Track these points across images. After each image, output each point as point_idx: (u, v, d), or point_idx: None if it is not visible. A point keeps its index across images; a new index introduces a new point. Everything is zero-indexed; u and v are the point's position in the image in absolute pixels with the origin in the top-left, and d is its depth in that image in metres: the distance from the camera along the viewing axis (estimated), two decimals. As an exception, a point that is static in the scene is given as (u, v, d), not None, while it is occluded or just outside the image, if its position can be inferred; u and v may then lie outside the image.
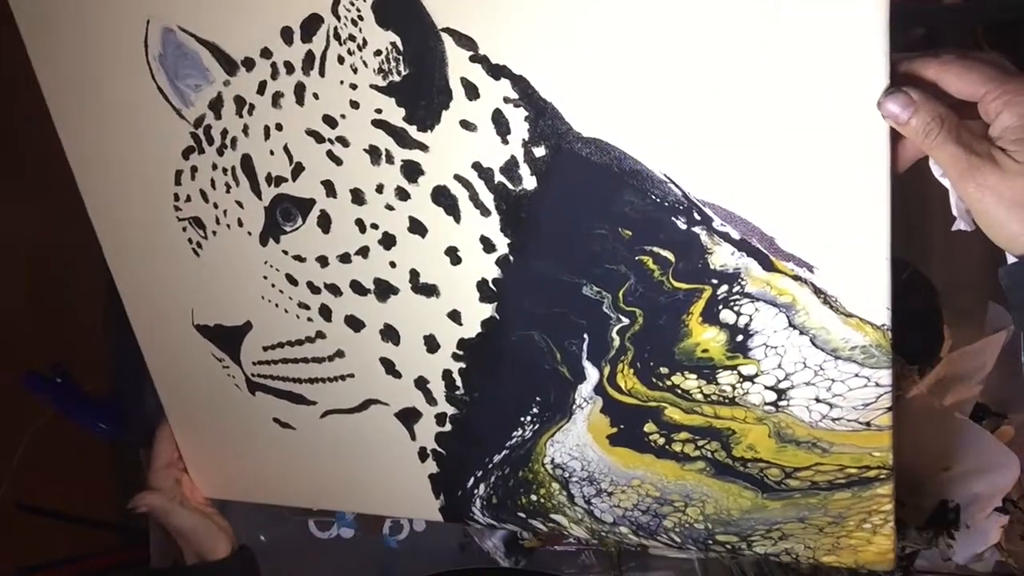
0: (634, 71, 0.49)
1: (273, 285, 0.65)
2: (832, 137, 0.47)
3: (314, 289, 0.64)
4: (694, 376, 0.57)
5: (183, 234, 0.67)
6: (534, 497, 0.68)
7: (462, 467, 0.68)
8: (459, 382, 0.64)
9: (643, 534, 0.65)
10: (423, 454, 0.69)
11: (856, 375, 0.53)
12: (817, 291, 0.51)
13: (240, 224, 0.64)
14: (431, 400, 0.66)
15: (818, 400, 0.55)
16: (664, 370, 0.58)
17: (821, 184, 0.48)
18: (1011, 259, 0.45)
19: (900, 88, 0.44)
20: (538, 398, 0.62)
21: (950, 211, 0.49)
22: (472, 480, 0.68)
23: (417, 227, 0.59)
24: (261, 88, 0.59)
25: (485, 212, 0.56)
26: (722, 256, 0.52)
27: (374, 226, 0.60)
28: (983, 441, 0.70)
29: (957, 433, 0.70)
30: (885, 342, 0.51)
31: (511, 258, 0.57)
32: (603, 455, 0.63)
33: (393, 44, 0.54)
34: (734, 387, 0.56)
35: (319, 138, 0.58)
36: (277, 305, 0.66)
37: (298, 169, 0.60)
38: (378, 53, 0.54)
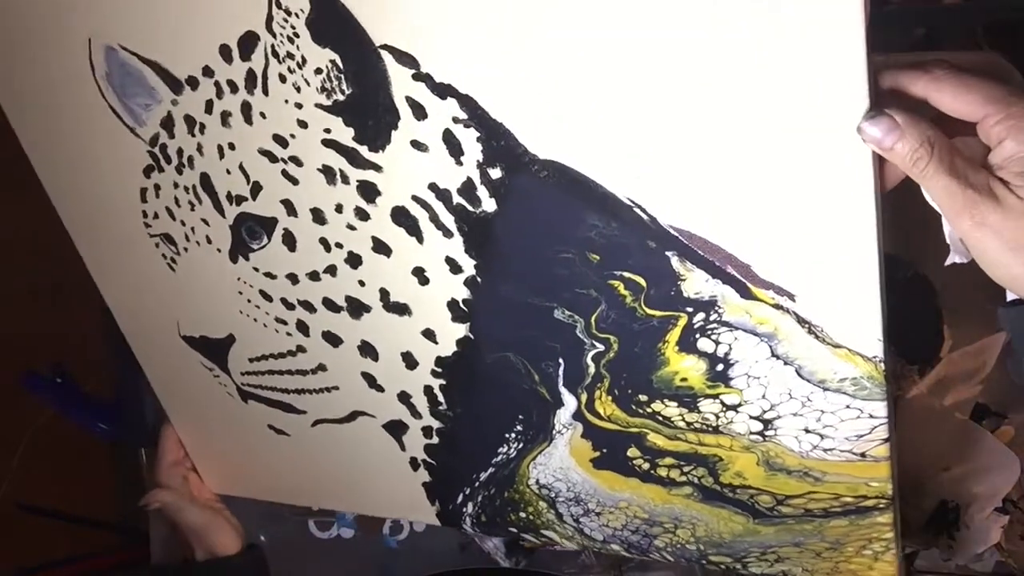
0: (588, 90, 0.44)
1: (249, 300, 0.63)
2: (810, 159, 0.41)
3: (288, 305, 0.62)
4: (674, 404, 0.53)
5: (157, 250, 0.65)
6: (523, 514, 0.66)
7: (453, 478, 0.66)
8: (441, 398, 0.62)
9: (635, 552, 0.63)
10: (414, 464, 0.67)
11: (847, 407, 0.48)
12: (800, 320, 0.46)
13: (209, 241, 0.62)
14: (416, 414, 0.63)
15: (807, 431, 0.50)
16: (643, 398, 0.54)
17: (800, 208, 0.43)
18: (1009, 295, 0.40)
19: (882, 111, 0.38)
20: (520, 416, 0.60)
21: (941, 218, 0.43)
22: (461, 497, 0.67)
23: (381, 247, 0.55)
24: (208, 107, 0.55)
25: (447, 233, 0.53)
26: (696, 283, 0.48)
27: (339, 245, 0.57)
28: (983, 441, 0.68)
29: (957, 433, 0.68)
30: (878, 374, 0.46)
31: (479, 279, 0.54)
32: (588, 477, 0.60)
33: (333, 62, 0.49)
34: (717, 416, 0.52)
35: (272, 158, 0.55)
36: (256, 320, 0.64)
37: (256, 188, 0.57)
38: (319, 71, 0.50)
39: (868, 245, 0.43)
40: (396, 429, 0.65)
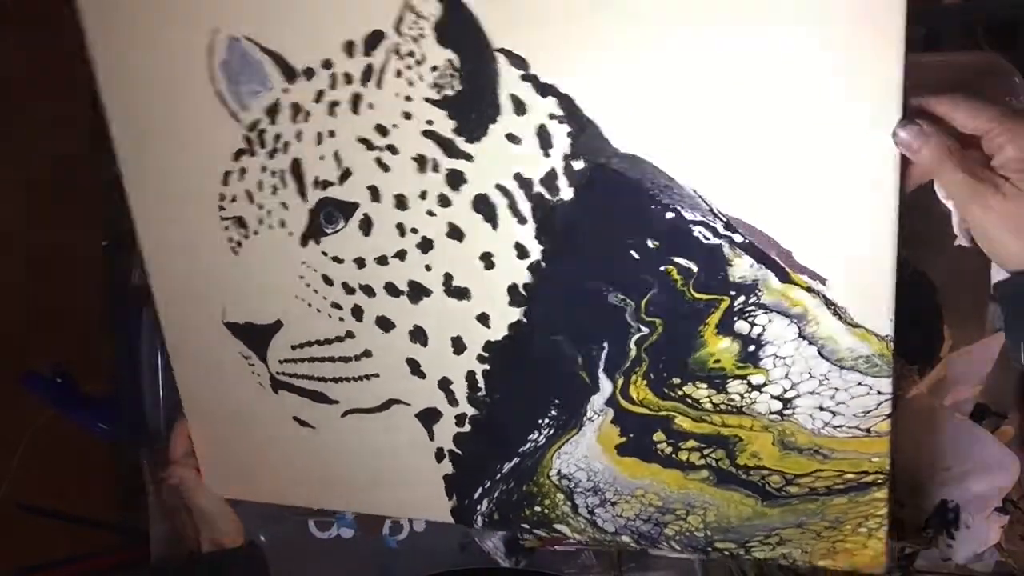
0: (670, 94, 0.54)
1: (308, 285, 0.69)
2: (849, 160, 0.52)
3: (348, 290, 0.68)
4: (705, 386, 0.61)
5: (224, 233, 0.70)
6: (538, 509, 0.71)
7: (476, 469, 0.71)
8: (482, 383, 0.67)
9: (644, 543, 0.68)
10: (440, 454, 0.71)
11: (859, 384, 0.57)
12: (828, 302, 0.56)
13: (282, 225, 0.68)
14: (453, 401, 0.69)
15: (822, 408, 0.59)
16: (676, 380, 0.62)
17: (837, 203, 0.54)
18: (1001, 274, 0.51)
19: (913, 120, 0.50)
20: (557, 400, 0.66)
21: (951, 212, 0.54)
22: (479, 491, 0.71)
23: (455, 232, 0.63)
24: (318, 96, 0.63)
25: (522, 220, 0.61)
26: (742, 268, 0.57)
27: (414, 230, 0.64)
28: (983, 441, 0.71)
29: (957, 433, 0.72)
30: (887, 352, 0.56)
31: (543, 264, 0.62)
32: (610, 465, 0.66)
33: (450, 61, 0.59)
34: (742, 396, 0.61)
35: (370, 146, 0.63)
36: (310, 305, 0.69)
37: (346, 174, 0.64)
38: (435, 69, 0.59)
39: (888, 236, 0.53)
40: (429, 417, 0.70)
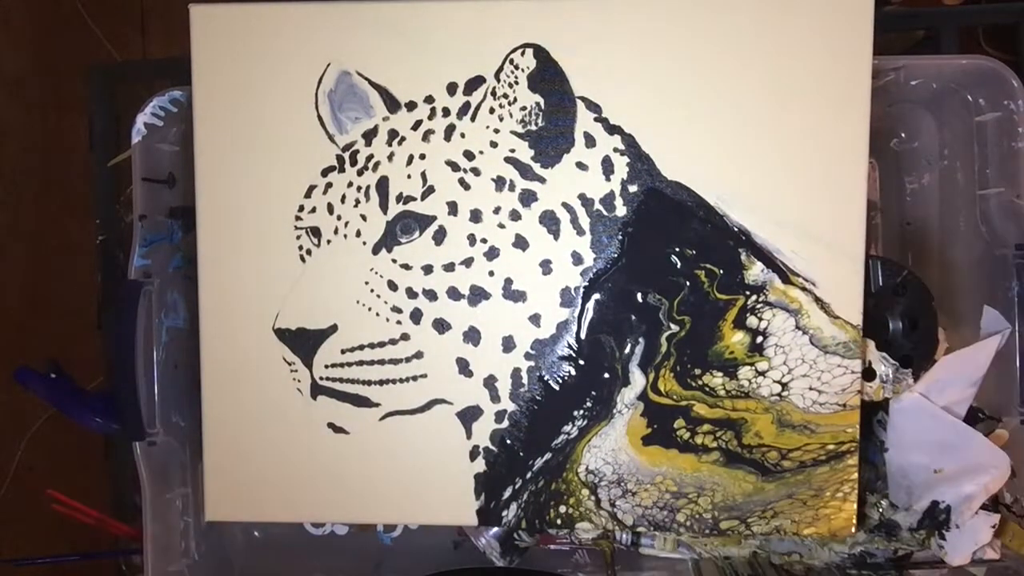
0: (710, 139, 0.74)
1: (372, 291, 0.77)
2: (832, 198, 0.74)
3: (412, 295, 0.77)
4: (720, 374, 0.76)
5: (295, 241, 0.78)
6: (563, 508, 0.79)
7: (509, 466, 0.78)
8: (525, 379, 0.77)
9: (659, 531, 0.78)
10: (474, 453, 0.78)
11: (839, 365, 0.75)
12: (817, 299, 0.75)
13: (358, 235, 0.77)
14: (495, 398, 0.78)
15: (811, 388, 0.76)
16: (698, 371, 0.76)
17: (822, 224, 0.74)
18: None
19: None
20: (593, 392, 0.77)
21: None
22: (509, 492, 0.78)
23: (521, 242, 0.76)
24: (416, 125, 0.76)
25: (581, 232, 0.76)
26: (754, 272, 0.75)
27: (483, 240, 0.76)
28: (974, 442, 0.74)
29: (949, 434, 0.74)
30: (858, 337, 0.74)
31: (595, 270, 0.76)
32: (635, 456, 0.77)
33: (537, 103, 0.75)
34: (750, 381, 0.76)
35: (455, 168, 0.76)
36: (370, 309, 0.77)
37: (429, 191, 0.76)
38: (523, 108, 0.75)
39: (859, 245, 0.74)
40: (469, 416, 0.78)
